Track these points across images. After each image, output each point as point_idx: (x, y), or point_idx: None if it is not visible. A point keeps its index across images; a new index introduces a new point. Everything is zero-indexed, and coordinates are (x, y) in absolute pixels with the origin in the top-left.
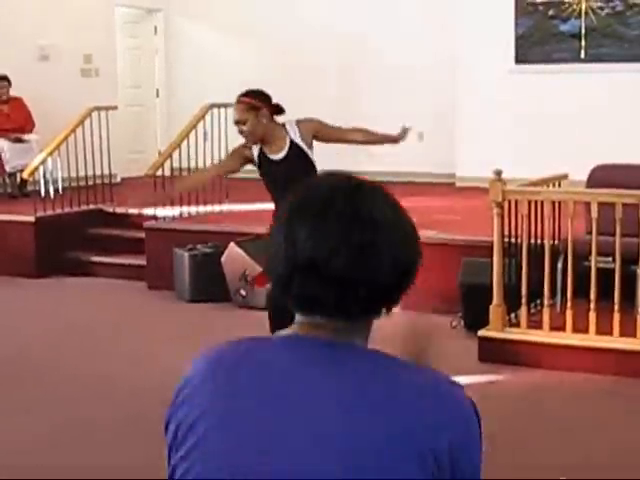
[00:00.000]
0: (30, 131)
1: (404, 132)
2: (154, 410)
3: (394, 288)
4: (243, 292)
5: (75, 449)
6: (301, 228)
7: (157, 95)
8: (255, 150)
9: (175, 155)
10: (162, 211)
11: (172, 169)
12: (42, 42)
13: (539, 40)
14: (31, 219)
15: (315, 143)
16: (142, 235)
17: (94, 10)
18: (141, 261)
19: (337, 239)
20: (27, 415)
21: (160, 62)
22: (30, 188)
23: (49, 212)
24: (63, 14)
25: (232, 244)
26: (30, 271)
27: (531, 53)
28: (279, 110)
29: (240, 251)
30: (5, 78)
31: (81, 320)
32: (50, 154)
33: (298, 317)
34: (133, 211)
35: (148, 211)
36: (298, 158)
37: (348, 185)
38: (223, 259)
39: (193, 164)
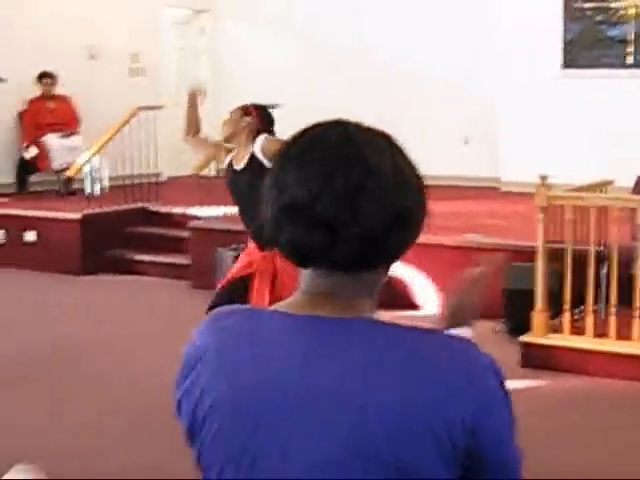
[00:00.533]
0: (75, 129)
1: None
2: None
3: (387, 238)
4: None
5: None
6: (288, 172)
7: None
8: (227, 158)
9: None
10: (206, 211)
11: (217, 169)
12: (91, 41)
13: (587, 45)
14: (77, 217)
15: None
16: (185, 234)
17: (142, 10)
18: (184, 260)
19: (322, 180)
20: (68, 413)
21: (206, 62)
22: (76, 186)
23: (95, 210)
24: (112, 13)
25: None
26: (75, 268)
27: (579, 58)
28: (266, 128)
29: None
30: (50, 75)
31: (124, 317)
32: (96, 153)
33: (304, 277)
34: (177, 210)
35: (192, 211)
36: (256, 172)
37: (339, 128)
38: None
39: None
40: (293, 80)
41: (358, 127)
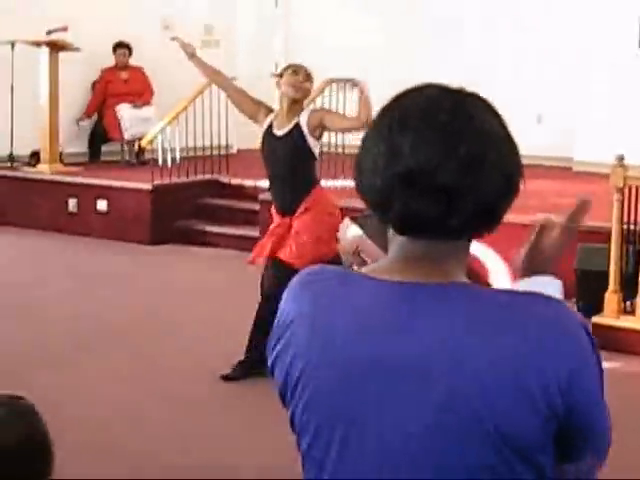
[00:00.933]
0: (148, 100)
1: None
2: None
3: (498, 204)
4: (355, 267)
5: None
6: (405, 139)
7: (276, 69)
8: (267, 120)
9: None
10: None
11: None
12: (165, 11)
13: None
14: (148, 187)
15: None
16: (257, 207)
17: None
18: (254, 232)
19: (444, 149)
20: (138, 379)
21: (280, 34)
22: (147, 156)
23: (166, 181)
24: None
25: (347, 219)
26: (145, 238)
27: None
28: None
29: (355, 227)
30: (126, 45)
31: (195, 288)
32: (169, 123)
33: (396, 243)
34: (249, 183)
35: (263, 183)
36: (296, 141)
37: (451, 95)
38: (338, 234)
39: None
40: (370, 53)
41: (459, 91)
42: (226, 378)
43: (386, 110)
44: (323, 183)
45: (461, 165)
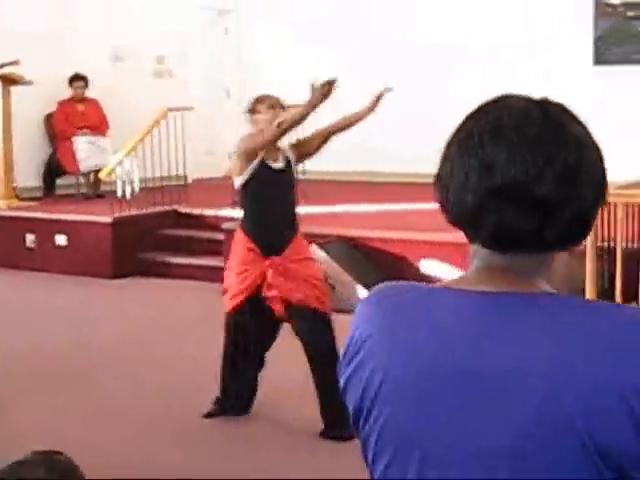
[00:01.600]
0: (104, 132)
1: (378, 97)
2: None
3: (592, 213)
4: None
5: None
6: (498, 152)
7: (228, 96)
8: (256, 160)
9: None
10: (240, 212)
11: None
12: (116, 42)
13: (618, 41)
14: (108, 220)
15: None
16: (219, 236)
17: (166, 11)
18: (218, 262)
19: (540, 160)
20: (108, 415)
21: (231, 63)
22: (104, 188)
23: (125, 213)
24: (136, 15)
25: (313, 245)
26: (107, 272)
27: (610, 54)
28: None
29: (322, 253)
30: (82, 78)
31: (158, 321)
32: (127, 154)
33: (479, 255)
34: (209, 212)
35: (224, 212)
36: (293, 176)
37: (538, 105)
38: None
39: None
40: (319, 77)
41: (544, 101)
42: (208, 415)
43: (469, 124)
44: None
45: (558, 176)
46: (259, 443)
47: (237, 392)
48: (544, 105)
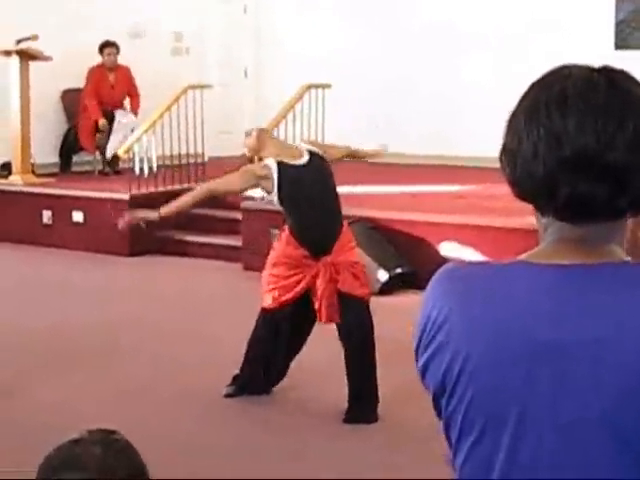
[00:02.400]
0: (136, 103)
1: (376, 152)
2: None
3: None
4: None
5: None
6: (567, 121)
7: (245, 75)
8: (273, 165)
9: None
10: (258, 192)
11: None
12: (134, 19)
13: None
14: (125, 197)
15: None
16: (237, 215)
17: None
18: (235, 242)
19: (611, 127)
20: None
21: (249, 42)
22: (121, 166)
23: (143, 190)
24: None
25: None
26: (124, 249)
27: (632, 39)
28: None
29: None
30: (113, 44)
31: (174, 299)
32: (146, 132)
33: (552, 227)
34: None
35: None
36: (320, 163)
37: (602, 72)
38: None
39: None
40: (338, 59)
41: (606, 68)
42: (228, 396)
43: (534, 95)
44: None
45: (629, 142)
46: (280, 424)
47: (262, 375)
48: (607, 72)
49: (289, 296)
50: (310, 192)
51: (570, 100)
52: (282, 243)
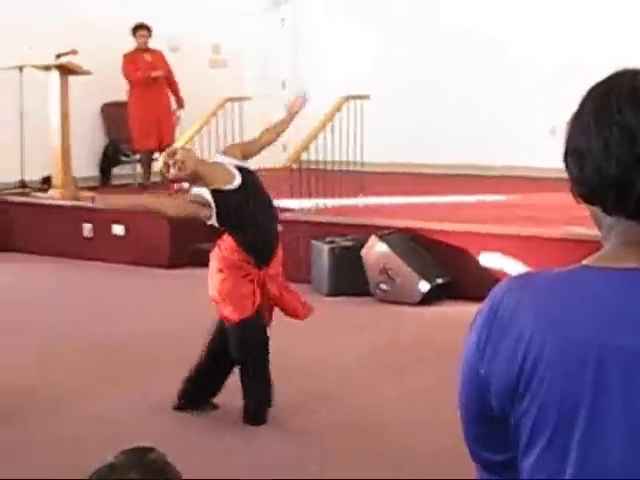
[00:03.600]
0: (176, 89)
1: (297, 102)
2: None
3: None
4: (384, 286)
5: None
6: (633, 119)
7: (283, 87)
8: (208, 196)
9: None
10: (296, 203)
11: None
12: (172, 32)
13: None
14: None
15: None
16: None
17: (223, 1)
18: None
19: None
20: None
21: (286, 54)
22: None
23: None
24: (192, 4)
25: (374, 237)
26: (164, 262)
27: None
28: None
29: (383, 245)
30: (147, 27)
31: (212, 312)
32: (185, 144)
33: (617, 228)
34: None
35: (281, 203)
36: (255, 176)
37: None
38: (364, 252)
39: (323, 157)
40: (376, 70)
41: None
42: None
43: (601, 94)
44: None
45: None
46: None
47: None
48: None
49: (258, 302)
50: (250, 210)
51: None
52: (226, 250)
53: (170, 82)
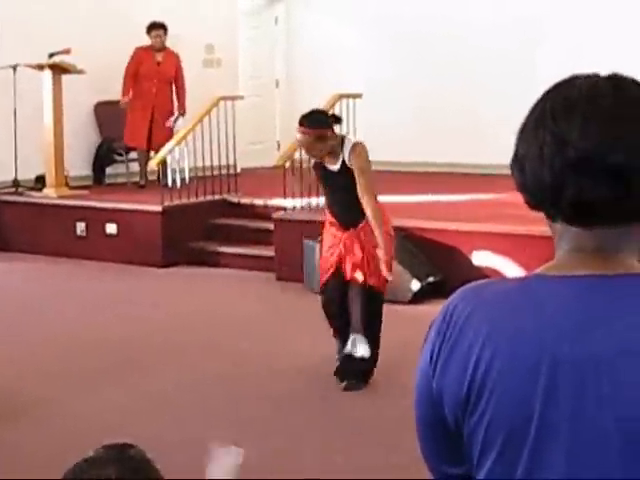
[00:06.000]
0: (182, 95)
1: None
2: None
3: None
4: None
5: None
6: (571, 125)
7: (277, 86)
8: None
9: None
10: (289, 202)
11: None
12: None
13: None
14: (158, 209)
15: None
16: (268, 226)
17: (216, 0)
18: (268, 252)
19: (614, 131)
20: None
21: (280, 53)
22: (152, 177)
23: (175, 202)
24: (186, 4)
25: None
26: (156, 260)
27: None
28: (337, 120)
29: None
30: (162, 26)
31: (207, 310)
32: (178, 143)
33: (567, 236)
34: (259, 202)
35: (274, 202)
36: (350, 175)
37: (609, 79)
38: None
39: None
40: (368, 69)
41: (614, 76)
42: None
43: (542, 102)
44: None
45: (632, 145)
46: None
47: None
48: (614, 79)
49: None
50: (337, 189)
51: (576, 105)
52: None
53: (177, 86)
